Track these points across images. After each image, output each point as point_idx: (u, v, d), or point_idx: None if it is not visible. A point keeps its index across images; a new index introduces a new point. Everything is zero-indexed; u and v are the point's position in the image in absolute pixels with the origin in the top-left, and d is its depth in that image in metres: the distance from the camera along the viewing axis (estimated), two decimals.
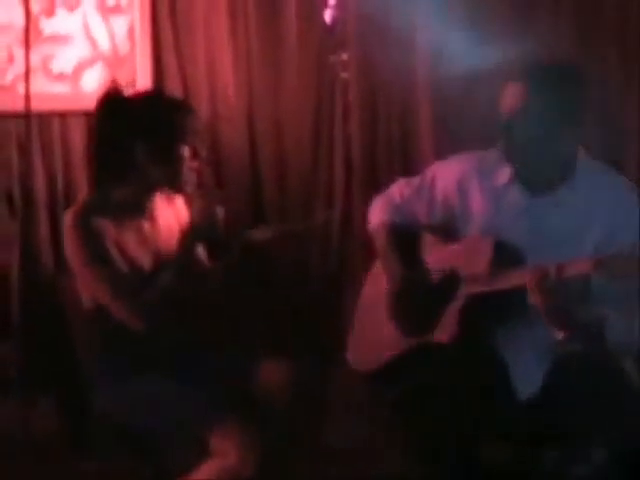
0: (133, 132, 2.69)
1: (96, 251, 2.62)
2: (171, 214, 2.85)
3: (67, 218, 2.66)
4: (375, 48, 4.53)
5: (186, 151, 2.69)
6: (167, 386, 2.64)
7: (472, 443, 2.62)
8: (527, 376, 2.65)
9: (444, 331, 2.69)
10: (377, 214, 3.00)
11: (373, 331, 2.92)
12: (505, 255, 2.64)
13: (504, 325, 2.64)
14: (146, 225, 2.75)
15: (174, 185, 2.74)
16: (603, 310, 2.48)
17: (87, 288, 2.68)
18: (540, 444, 2.67)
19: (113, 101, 2.73)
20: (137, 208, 2.74)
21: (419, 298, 2.80)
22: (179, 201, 2.89)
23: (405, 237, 2.92)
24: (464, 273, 2.71)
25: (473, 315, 2.66)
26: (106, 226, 2.64)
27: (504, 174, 2.75)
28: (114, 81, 2.86)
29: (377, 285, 2.96)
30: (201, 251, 2.85)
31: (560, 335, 2.50)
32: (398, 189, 2.97)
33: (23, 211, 4.16)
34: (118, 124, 2.71)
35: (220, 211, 2.72)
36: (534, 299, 2.45)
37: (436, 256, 2.84)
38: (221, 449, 2.53)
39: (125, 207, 2.71)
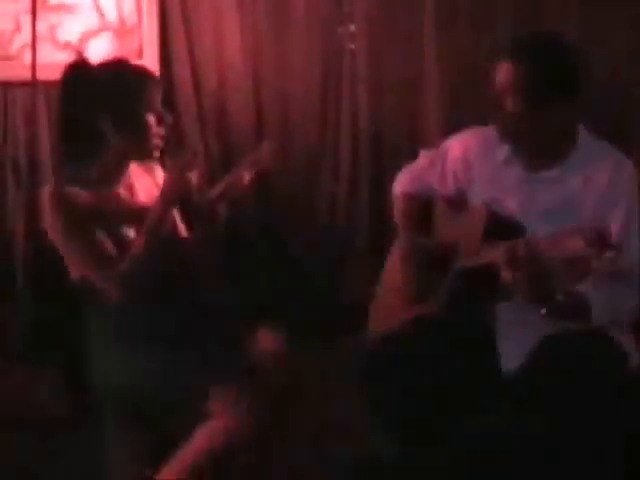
0: (96, 103, 2.68)
1: (74, 223, 2.63)
2: (150, 182, 2.86)
3: (44, 193, 2.66)
4: (383, 19, 4.51)
5: (151, 118, 2.70)
6: (162, 354, 2.66)
7: (455, 415, 2.64)
8: (512, 350, 2.67)
9: (436, 302, 2.73)
10: (399, 183, 3.09)
11: (391, 299, 2.97)
12: (499, 228, 2.66)
13: (494, 298, 2.66)
14: (124, 195, 2.77)
15: (142, 153, 2.75)
16: (582, 286, 2.48)
17: (69, 260, 2.70)
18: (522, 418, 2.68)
19: (76, 73, 2.72)
20: (113, 179, 2.75)
21: (422, 266, 2.83)
22: (158, 169, 2.91)
23: (421, 207, 3.00)
24: (462, 245, 2.75)
25: (464, 287, 2.70)
26: (82, 198, 2.65)
27: (503, 150, 2.78)
28: (79, 53, 2.86)
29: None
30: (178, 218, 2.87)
31: (542, 311, 2.49)
32: (420, 160, 3.07)
33: (28, 180, 4.16)
34: (80, 95, 2.70)
35: (193, 176, 2.72)
36: (504, 275, 2.43)
37: (444, 226, 2.89)
38: (217, 411, 2.55)
39: (101, 179, 2.72)
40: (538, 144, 2.70)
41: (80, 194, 2.63)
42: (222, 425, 2.55)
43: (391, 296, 2.96)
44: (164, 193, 2.70)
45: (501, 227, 2.67)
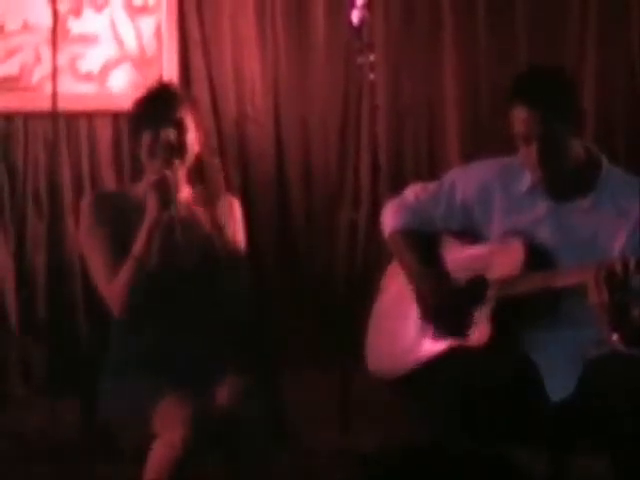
0: (135, 128, 2.78)
1: (102, 228, 2.69)
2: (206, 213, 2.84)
3: (86, 198, 2.78)
4: (403, 49, 4.52)
5: (165, 137, 2.70)
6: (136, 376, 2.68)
7: (504, 447, 2.59)
8: (559, 379, 2.63)
9: (476, 334, 2.67)
10: (392, 218, 2.96)
11: (395, 338, 2.90)
12: (537, 257, 2.63)
13: (534, 328, 2.62)
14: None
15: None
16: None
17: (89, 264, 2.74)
18: (575, 448, 2.65)
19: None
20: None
21: (446, 296, 2.78)
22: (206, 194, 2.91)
23: (423, 239, 2.88)
24: (493, 275, 2.70)
25: (505, 318, 2.65)
26: (119, 214, 2.71)
27: (526, 181, 2.74)
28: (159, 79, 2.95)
29: (394, 291, 2.96)
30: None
31: (614, 337, 2.44)
32: (413, 193, 2.93)
33: (50, 211, 4.18)
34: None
35: (172, 192, 2.67)
36: (597, 297, 2.39)
37: (457, 257, 2.83)
38: (161, 427, 2.53)
39: (142, 200, 2.73)
40: (563, 174, 2.66)
41: (121, 209, 2.71)
42: (162, 442, 2.50)
43: (397, 335, 2.89)
44: (147, 216, 2.67)
45: (538, 257, 2.64)
